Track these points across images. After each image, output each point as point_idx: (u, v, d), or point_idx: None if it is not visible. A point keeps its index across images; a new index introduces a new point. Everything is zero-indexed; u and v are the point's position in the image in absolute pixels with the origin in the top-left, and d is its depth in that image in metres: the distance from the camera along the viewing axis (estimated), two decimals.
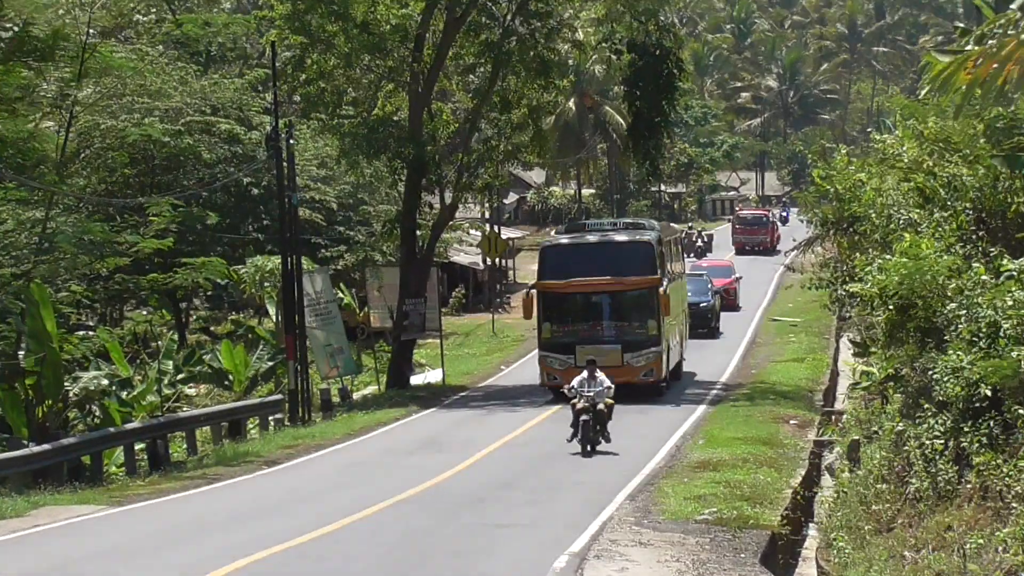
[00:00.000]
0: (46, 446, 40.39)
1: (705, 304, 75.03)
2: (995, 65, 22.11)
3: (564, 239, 57.36)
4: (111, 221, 58.53)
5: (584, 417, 40.40)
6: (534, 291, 51.18)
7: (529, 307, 51.24)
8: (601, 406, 40.81)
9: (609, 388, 41.25)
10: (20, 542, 28.88)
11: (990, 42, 23.57)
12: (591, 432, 40.38)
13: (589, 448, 40.35)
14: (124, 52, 59.26)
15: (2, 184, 51.31)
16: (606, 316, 50.16)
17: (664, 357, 51.20)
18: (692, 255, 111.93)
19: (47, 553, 27.56)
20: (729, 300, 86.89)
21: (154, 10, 66.71)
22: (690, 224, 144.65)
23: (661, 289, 48.57)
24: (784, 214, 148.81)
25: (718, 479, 36.10)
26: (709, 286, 78.32)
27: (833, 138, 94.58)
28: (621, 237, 55.81)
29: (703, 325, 73.61)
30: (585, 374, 40.77)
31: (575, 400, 40.55)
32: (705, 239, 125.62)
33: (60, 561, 26.32)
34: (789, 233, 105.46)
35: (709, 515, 31.46)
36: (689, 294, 73.32)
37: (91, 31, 55.53)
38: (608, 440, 40.51)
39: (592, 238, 54.44)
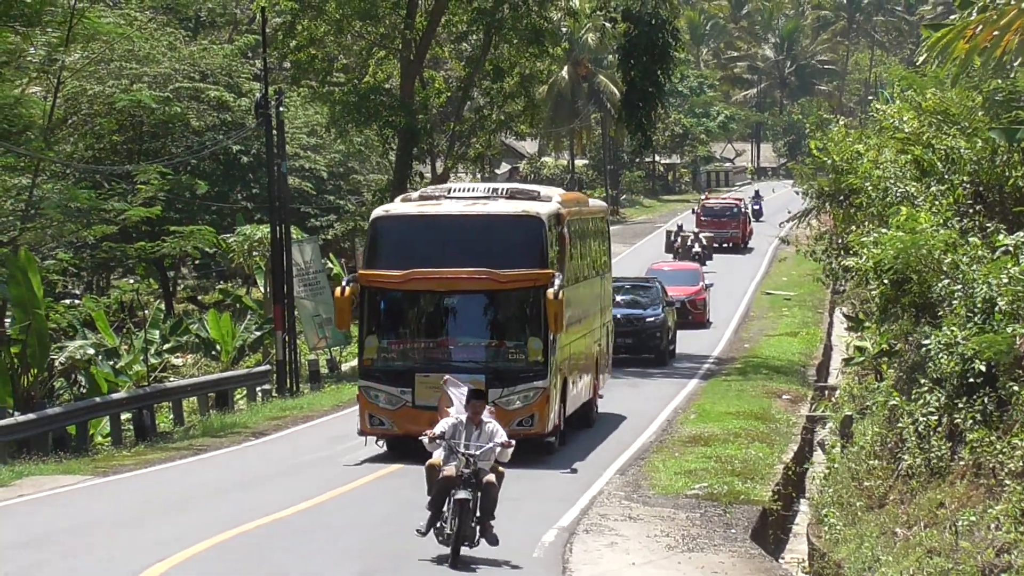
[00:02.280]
0: (31, 415, 40.29)
1: (653, 319, 56.15)
2: (995, 33, 22.32)
3: (408, 208, 35.86)
4: (98, 188, 58.74)
5: (460, 495, 23.32)
6: (350, 286, 32.29)
7: (346, 310, 32.40)
8: (490, 477, 23.61)
9: (505, 444, 24.43)
10: (3, 512, 28.79)
11: (989, 11, 23.79)
12: (469, 522, 23.32)
13: (463, 547, 23.63)
14: (112, 17, 58.96)
15: None
16: (464, 329, 32.30)
17: (554, 397, 32.20)
18: (670, 255, 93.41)
19: (30, 524, 27.52)
20: (695, 314, 69.39)
21: None
22: (679, 223, 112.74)
23: (551, 291, 30.23)
24: (757, 207, 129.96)
25: (709, 454, 36.49)
26: (660, 295, 59.64)
27: (831, 109, 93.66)
28: (496, 208, 34.82)
29: (649, 348, 55.97)
30: (461, 415, 24.05)
31: (440, 461, 23.66)
32: (703, 243, 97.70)
33: (43, 532, 26.24)
34: (761, 229, 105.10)
35: (700, 490, 31.82)
36: (622, 303, 57.21)
37: None
38: (492, 541, 23.66)
39: (451, 208, 34.20)
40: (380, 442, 30.74)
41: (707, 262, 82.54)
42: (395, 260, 27.39)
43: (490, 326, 29.38)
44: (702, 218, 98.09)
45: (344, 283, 26.37)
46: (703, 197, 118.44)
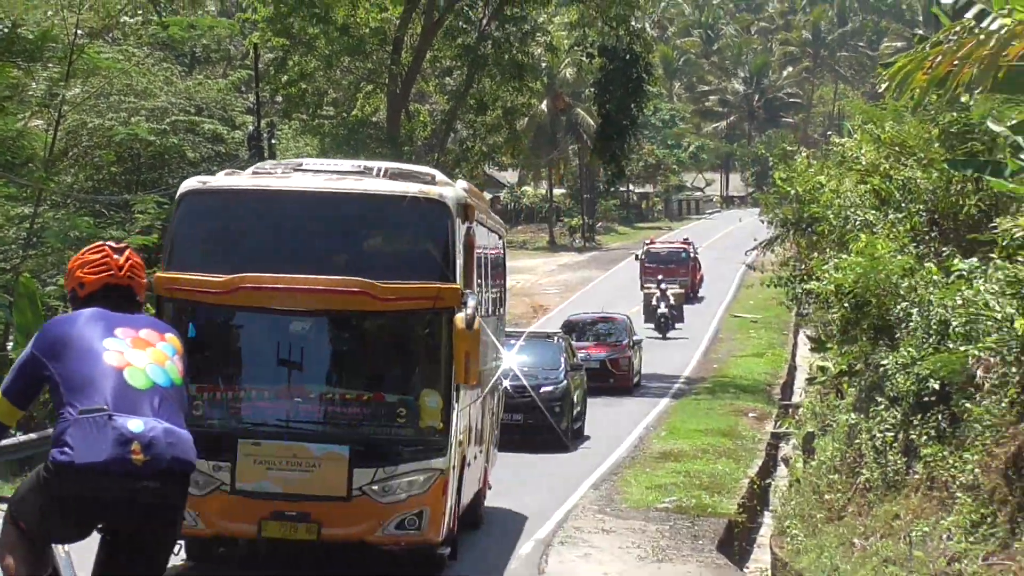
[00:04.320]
0: (32, 435, 37.80)
1: (551, 389, 38.62)
2: (954, 63, 21.94)
3: (237, 181, 23.73)
4: (98, 217, 58.08)
5: None
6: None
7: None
8: None
9: None
10: None
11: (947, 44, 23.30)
12: None
13: None
14: (111, 53, 58.55)
15: None
16: (319, 373, 21.23)
17: (452, 484, 21.62)
18: (651, 324, 71.81)
19: None
20: (619, 376, 51.60)
21: (140, 12, 67.71)
22: (637, 253, 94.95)
23: (462, 316, 19.85)
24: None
25: (679, 469, 36.55)
26: (563, 356, 42.61)
27: (795, 141, 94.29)
28: (376, 186, 22.91)
29: (543, 426, 37.93)
30: None
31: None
32: (671, 300, 73.47)
33: None
34: (717, 275, 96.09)
35: (669, 503, 32.17)
36: (507, 363, 35.36)
37: (79, 32, 55.30)
38: None
39: (305, 183, 22.77)
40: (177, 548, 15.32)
41: (677, 324, 69.27)
42: (214, 260, 17.85)
43: (361, 369, 19.05)
44: (647, 265, 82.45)
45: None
46: (647, 241, 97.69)
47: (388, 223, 19.78)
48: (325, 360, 19.07)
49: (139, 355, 8.71)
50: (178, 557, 18.84)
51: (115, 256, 9.49)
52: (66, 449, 7.95)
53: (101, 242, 9.66)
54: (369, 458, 18.10)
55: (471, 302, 18.54)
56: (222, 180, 22.21)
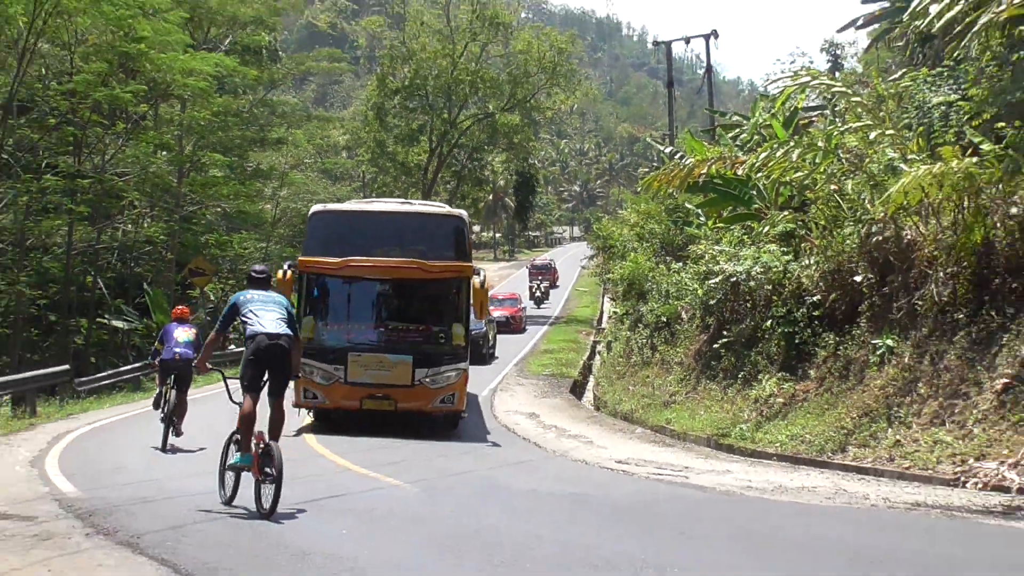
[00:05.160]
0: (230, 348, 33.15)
1: (475, 331, 31.95)
2: (671, 178, 22.88)
3: (343, 205, 27.23)
4: (291, 246, 52.02)
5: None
6: (290, 270, 21.66)
7: (285, 293, 18.39)
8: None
9: None
10: None
11: (664, 168, 24.24)
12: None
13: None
14: (300, 177, 54.07)
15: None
16: (394, 314, 21.69)
17: (468, 377, 22.29)
18: (532, 302, 67.31)
19: None
20: (516, 325, 49.44)
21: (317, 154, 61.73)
22: (528, 264, 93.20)
23: (477, 280, 21.14)
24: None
25: (552, 358, 36.49)
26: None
27: (603, 212, 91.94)
28: (422, 208, 25.42)
29: (474, 352, 27.05)
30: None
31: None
32: (543, 289, 70.08)
33: None
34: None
35: (548, 372, 33.00)
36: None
37: (286, 165, 51.74)
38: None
39: (382, 206, 25.49)
40: (309, 413, 19.90)
41: (545, 302, 66.18)
42: (332, 249, 18.44)
43: (418, 311, 19.32)
44: (531, 270, 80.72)
45: (285, 267, 18.22)
46: (533, 259, 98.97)
47: (431, 228, 19.44)
48: (397, 307, 18.79)
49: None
50: (309, 418, 19.62)
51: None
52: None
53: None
54: (424, 362, 18.04)
55: (483, 274, 19.35)
56: (332, 205, 23.18)
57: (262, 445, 9.75)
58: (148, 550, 7.78)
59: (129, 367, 32.25)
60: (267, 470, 9.61)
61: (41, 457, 14.47)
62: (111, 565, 7.29)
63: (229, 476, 10.33)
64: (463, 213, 20.72)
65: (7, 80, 34.07)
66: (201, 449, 15.28)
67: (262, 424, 9.71)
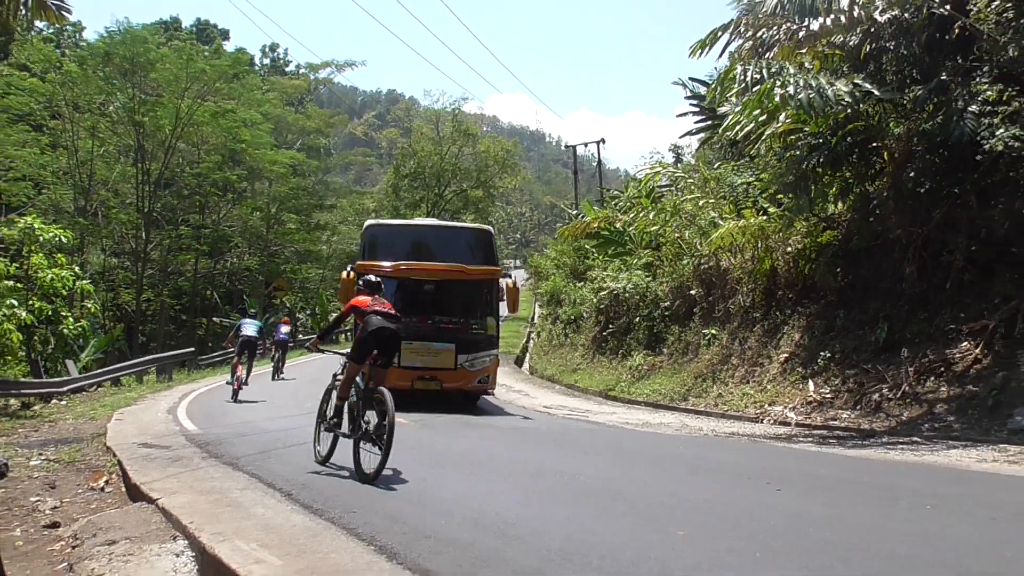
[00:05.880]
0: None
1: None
2: (577, 230, 23.45)
3: (394, 221, 21.26)
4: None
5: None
6: (353, 271, 16.20)
7: (348, 290, 15.64)
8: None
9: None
10: None
11: (572, 223, 24.56)
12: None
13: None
14: (346, 229, 48.90)
15: None
16: (440, 309, 15.76)
17: (498, 363, 17.12)
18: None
19: None
20: None
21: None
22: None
23: (509, 281, 16.43)
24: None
25: (503, 342, 28.25)
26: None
27: (536, 251, 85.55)
28: (459, 224, 22.74)
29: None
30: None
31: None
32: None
33: None
34: None
35: (500, 351, 29.12)
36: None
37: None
38: None
39: (427, 221, 19.78)
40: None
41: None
42: (384, 255, 15.26)
43: (458, 307, 15.60)
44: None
45: (348, 269, 15.29)
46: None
47: (467, 240, 15.75)
48: (441, 303, 14.78)
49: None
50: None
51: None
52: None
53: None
54: (464, 349, 14.43)
55: (514, 274, 15.04)
56: (384, 220, 18.61)
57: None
58: (243, 467, 7.60)
59: (232, 349, 31.89)
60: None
61: (175, 407, 14.14)
62: (218, 477, 7.10)
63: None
64: (491, 228, 17.08)
65: (158, 166, 36.57)
66: (263, 401, 15.19)
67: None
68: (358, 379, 7.56)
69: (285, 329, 22.08)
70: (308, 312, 40.97)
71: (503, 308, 15.52)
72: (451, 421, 12.44)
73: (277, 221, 42.30)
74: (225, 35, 57.05)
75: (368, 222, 16.05)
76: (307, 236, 43.91)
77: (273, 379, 20.19)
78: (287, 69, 60.61)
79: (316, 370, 21.53)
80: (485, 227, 16.66)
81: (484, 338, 14.91)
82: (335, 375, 8.00)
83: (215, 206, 39.86)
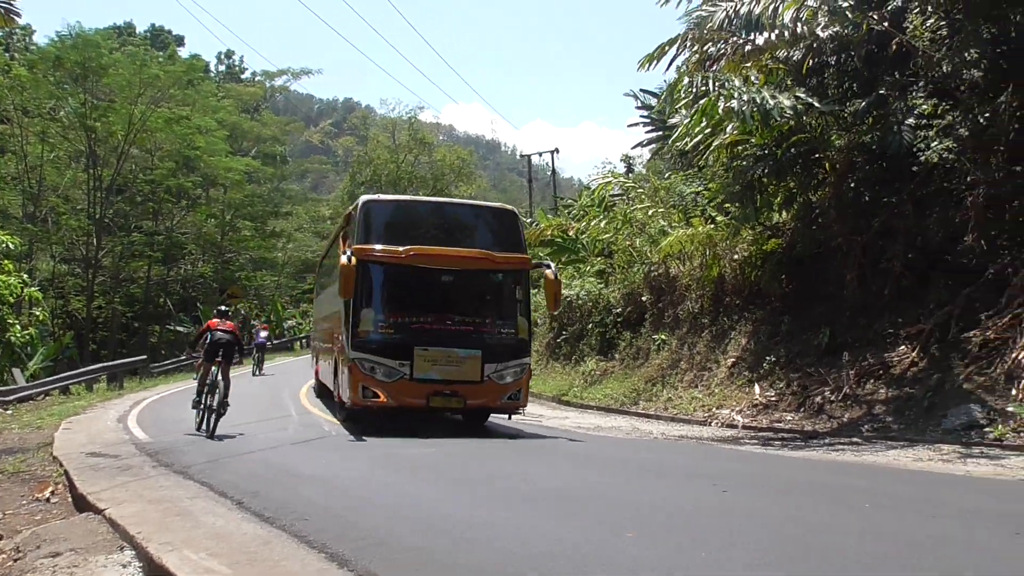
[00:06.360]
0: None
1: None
2: (533, 234, 22.18)
3: (396, 196, 18.03)
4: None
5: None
6: (344, 259, 11.30)
7: (349, 278, 11.18)
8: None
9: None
10: None
11: (530, 230, 22.96)
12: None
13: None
14: (301, 236, 48.87)
15: None
16: (461, 306, 11.42)
17: (530, 374, 12.35)
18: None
19: None
20: None
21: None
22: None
23: (550, 271, 11.75)
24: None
25: None
26: None
27: None
28: (479, 202, 16.71)
29: None
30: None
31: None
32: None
33: None
34: None
35: None
36: None
37: None
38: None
39: (437, 198, 20.18)
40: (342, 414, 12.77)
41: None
42: (393, 237, 11.61)
43: (484, 304, 12.15)
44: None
45: (348, 255, 11.37)
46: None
47: (488, 221, 12.34)
48: (462, 298, 11.63)
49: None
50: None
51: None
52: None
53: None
54: (492, 357, 11.31)
55: (554, 265, 12.29)
56: (381, 195, 15.12)
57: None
58: (194, 476, 7.42)
59: (185, 356, 31.46)
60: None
61: (125, 415, 13.86)
62: (168, 486, 6.93)
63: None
64: (515, 208, 13.31)
65: (110, 172, 36.02)
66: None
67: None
68: (214, 370, 11.03)
69: (264, 333, 26.34)
70: (263, 319, 40.53)
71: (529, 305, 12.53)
72: (405, 427, 12.30)
73: (232, 228, 42.04)
74: (180, 41, 56.55)
75: (364, 198, 12.33)
76: (262, 243, 43.67)
77: (254, 375, 23.96)
78: (243, 76, 59.91)
79: (287, 370, 23.18)
80: (509, 207, 13.10)
81: (515, 342, 11.77)
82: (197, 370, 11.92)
83: (169, 212, 39.55)
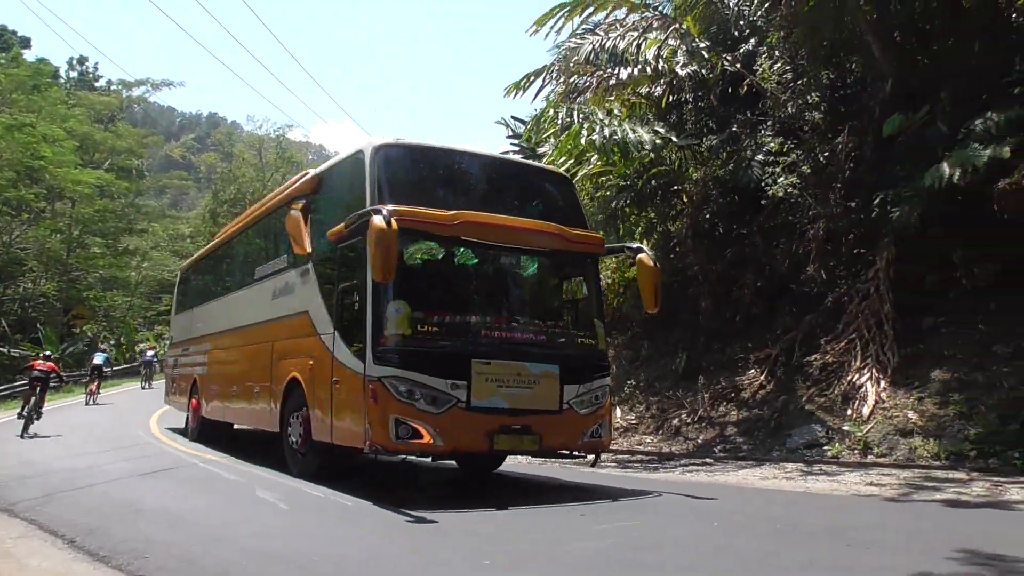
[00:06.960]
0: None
1: None
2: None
3: (425, 143, 7.72)
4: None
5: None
6: (381, 221, 6.08)
7: (390, 256, 6.12)
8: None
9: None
10: None
11: None
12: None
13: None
14: (158, 255, 46.91)
15: None
16: (527, 302, 7.36)
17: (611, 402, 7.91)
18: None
19: None
20: None
21: None
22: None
23: (646, 255, 7.86)
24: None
25: None
26: None
27: None
28: (530, 163, 9.92)
29: None
30: None
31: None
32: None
33: None
34: None
35: None
36: None
37: None
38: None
39: (476, 149, 8.17)
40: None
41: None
42: (430, 196, 6.93)
43: (554, 300, 7.93)
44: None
45: (385, 214, 5.94)
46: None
47: (547, 188, 8.53)
48: (527, 290, 8.11)
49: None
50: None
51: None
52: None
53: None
54: (571, 376, 7.52)
55: (647, 250, 8.53)
56: (403, 140, 7.99)
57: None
58: (21, 514, 6.82)
59: (21, 383, 29.67)
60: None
61: None
62: None
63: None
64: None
65: None
66: (58, 435, 13.86)
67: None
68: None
69: (151, 352, 29.49)
70: (112, 342, 38.40)
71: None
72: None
73: (80, 245, 40.30)
74: (26, 43, 53.69)
75: (373, 142, 7.81)
76: (114, 261, 42.09)
77: (143, 388, 26.98)
78: (97, 84, 57.48)
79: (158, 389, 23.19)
80: (561, 173, 9.61)
81: (596, 355, 8.16)
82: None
83: (7, 226, 37.55)
